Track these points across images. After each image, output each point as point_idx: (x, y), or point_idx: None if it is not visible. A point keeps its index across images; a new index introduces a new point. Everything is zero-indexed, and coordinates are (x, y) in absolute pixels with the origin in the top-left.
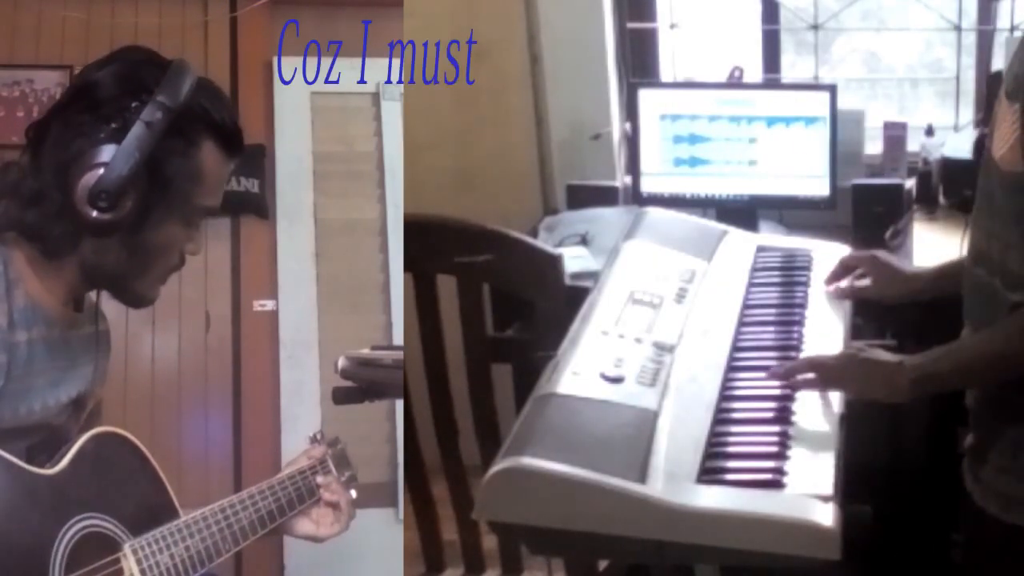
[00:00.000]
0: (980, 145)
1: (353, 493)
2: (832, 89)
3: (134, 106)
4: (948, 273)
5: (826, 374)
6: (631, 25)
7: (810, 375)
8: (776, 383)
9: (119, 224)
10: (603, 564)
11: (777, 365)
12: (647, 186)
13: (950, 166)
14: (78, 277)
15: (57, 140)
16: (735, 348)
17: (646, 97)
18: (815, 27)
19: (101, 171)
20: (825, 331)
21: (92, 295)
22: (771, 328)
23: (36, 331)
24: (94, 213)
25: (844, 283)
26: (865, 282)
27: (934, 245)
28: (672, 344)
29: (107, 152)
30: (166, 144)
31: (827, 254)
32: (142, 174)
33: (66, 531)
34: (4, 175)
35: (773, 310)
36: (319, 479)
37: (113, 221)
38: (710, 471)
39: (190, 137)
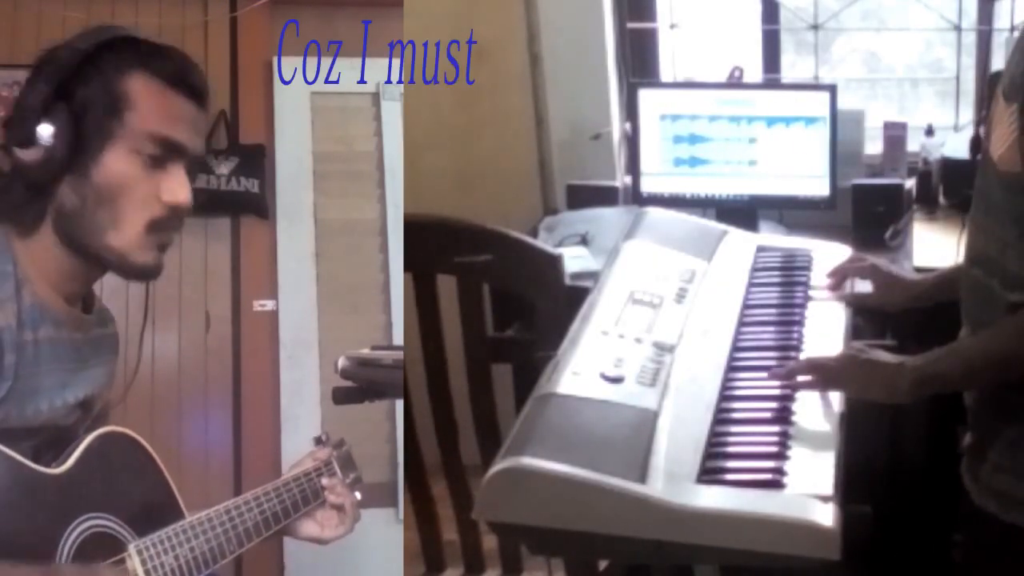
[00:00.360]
0: (976, 144)
1: (358, 495)
2: (832, 89)
3: (56, 58)
4: (949, 279)
5: (826, 375)
6: (631, 25)
7: (810, 376)
8: (776, 383)
9: (49, 160)
10: (603, 564)
11: (777, 366)
12: (647, 186)
13: (950, 166)
14: (63, 253)
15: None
16: (735, 348)
17: (646, 97)
18: (815, 27)
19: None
20: (825, 331)
21: (99, 297)
22: (771, 328)
23: (43, 331)
24: (18, 151)
25: (846, 286)
26: (866, 289)
27: (934, 245)
28: (672, 344)
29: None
30: (84, 79)
31: (827, 254)
32: (60, 107)
33: (71, 530)
34: None
35: (773, 310)
36: (324, 481)
37: (39, 157)
38: (710, 471)
39: (114, 66)
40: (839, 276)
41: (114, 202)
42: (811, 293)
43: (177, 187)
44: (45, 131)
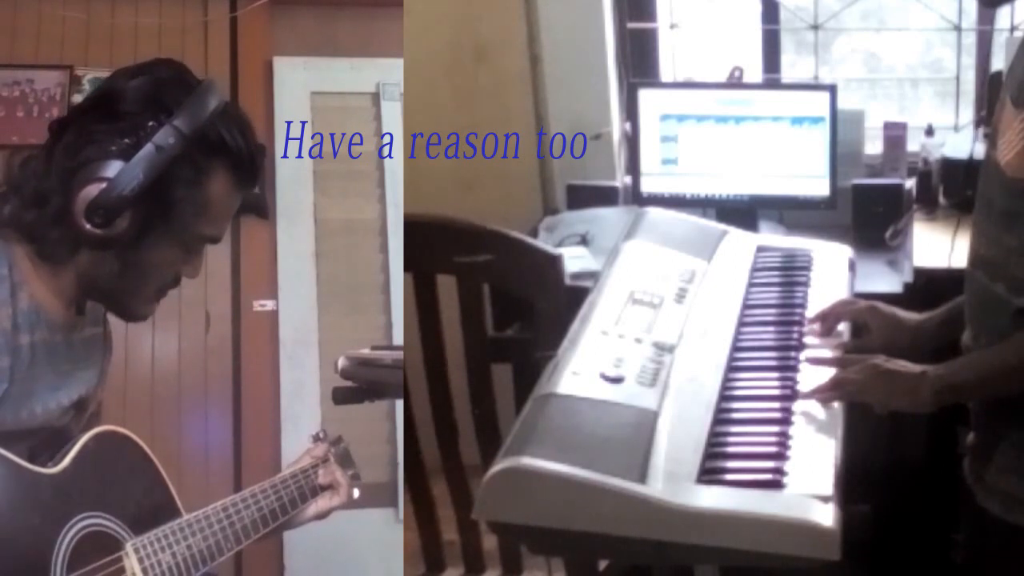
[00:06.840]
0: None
1: (356, 492)
2: (832, 89)
3: (151, 125)
4: (955, 317)
5: (850, 388)
6: (631, 25)
7: (836, 392)
8: (775, 383)
9: (114, 241)
10: (603, 564)
11: (808, 393)
12: (647, 186)
13: (950, 166)
14: (75, 285)
15: (69, 144)
16: (735, 348)
17: (646, 97)
18: (815, 27)
19: (103, 186)
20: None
21: None
22: (771, 328)
23: (39, 334)
24: (89, 226)
25: (839, 330)
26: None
27: (934, 245)
28: (672, 344)
29: (113, 168)
30: (175, 170)
31: (827, 254)
32: (145, 196)
33: (68, 530)
34: (23, 169)
35: (773, 310)
36: (319, 471)
37: (108, 237)
38: (710, 471)
39: (201, 165)
40: (831, 320)
41: (147, 279)
42: (804, 340)
43: (196, 268)
44: (124, 219)
